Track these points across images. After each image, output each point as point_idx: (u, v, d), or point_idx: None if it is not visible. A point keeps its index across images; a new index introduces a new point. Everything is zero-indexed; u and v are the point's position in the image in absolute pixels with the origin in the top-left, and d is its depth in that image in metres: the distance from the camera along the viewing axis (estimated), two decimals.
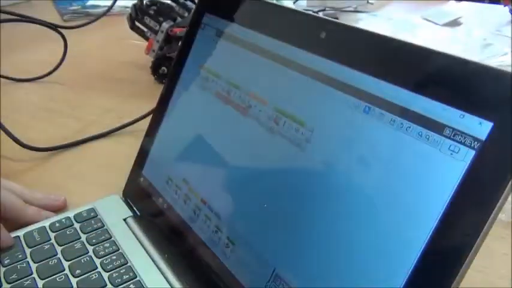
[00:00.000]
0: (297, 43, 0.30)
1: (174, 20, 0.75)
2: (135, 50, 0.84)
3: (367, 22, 1.07)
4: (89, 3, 1.30)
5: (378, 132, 0.24)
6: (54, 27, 0.69)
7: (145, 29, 0.77)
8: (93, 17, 0.82)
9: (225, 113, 0.35)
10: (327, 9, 1.15)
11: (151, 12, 0.76)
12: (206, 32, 0.39)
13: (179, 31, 0.72)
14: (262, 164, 0.31)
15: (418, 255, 0.21)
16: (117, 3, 0.86)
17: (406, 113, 0.23)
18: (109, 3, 0.97)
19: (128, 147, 0.54)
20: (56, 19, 1.08)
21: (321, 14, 1.14)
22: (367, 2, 1.19)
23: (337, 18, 1.09)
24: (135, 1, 0.79)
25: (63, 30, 0.71)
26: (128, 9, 1.04)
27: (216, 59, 0.38)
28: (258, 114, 0.32)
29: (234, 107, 0.34)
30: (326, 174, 0.27)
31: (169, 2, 0.80)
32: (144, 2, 0.79)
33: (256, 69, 0.33)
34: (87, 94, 0.71)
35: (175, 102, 0.41)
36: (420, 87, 0.23)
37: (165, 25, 0.73)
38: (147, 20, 0.76)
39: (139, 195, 0.42)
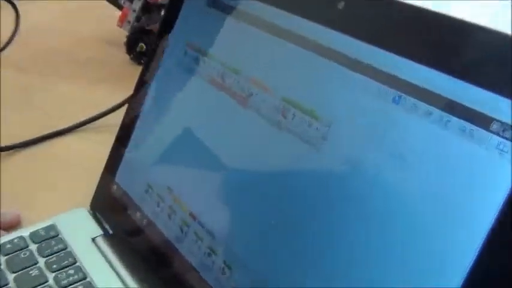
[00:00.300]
0: (309, 15, 0.31)
1: None
2: (105, 22, 0.85)
3: None
4: None
5: (411, 127, 0.25)
6: None
7: None
8: None
9: (219, 103, 0.35)
10: None
11: None
12: (195, 0, 0.40)
13: None
14: (266, 168, 0.32)
15: (473, 260, 0.22)
16: None
17: (444, 104, 0.24)
18: None
19: (96, 146, 0.56)
20: None
21: None
22: None
23: None
24: None
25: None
26: None
27: (208, 35, 0.38)
28: (261, 105, 0.32)
29: (231, 96, 0.35)
30: (349, 178, 0.27)
31: None
32: None
33: (259, 49, 0.34)
34: (45, 79, 0.72)
35: (156, 89, 0.42)
36: (463, 71, 0.23)
37: None
38: None
39: (111, 208, 0.43)
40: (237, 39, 0.36)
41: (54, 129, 0.59)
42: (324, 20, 0.30)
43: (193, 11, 0.40)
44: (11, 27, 0.74)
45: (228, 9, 0.37)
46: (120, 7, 0.78)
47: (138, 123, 0.43)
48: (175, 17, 0.41)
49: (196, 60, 0.38)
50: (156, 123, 0.41)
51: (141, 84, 0.44)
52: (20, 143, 0.56)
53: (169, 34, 0.42)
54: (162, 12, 0.77)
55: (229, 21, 0.37)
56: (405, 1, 0.27)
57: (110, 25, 0.80)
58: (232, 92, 0.35)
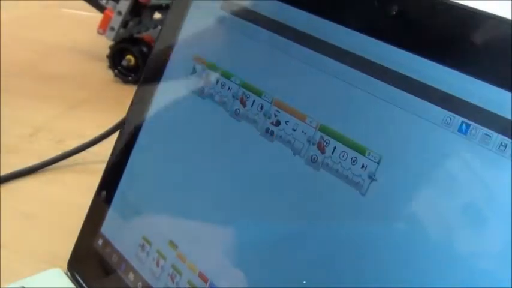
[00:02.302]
0: (353, 23, 0.33)
1: None
2: (83, 28, 0.88)
3: None
4: None
5: (482, 165, 0.27)
6: None
7: None
8: None
9: (237, 134, 0.37)
10: None
11: None
12: (205, 3, 0.42)
13: None
14: (298, 218, 0.33)
15: None
16: None
17: None
18: None
19: (72, 189, 0.58)
20: None
21: None
22: None
23: None
24: None
25: None
26: None
27: (221, 47, 0.41)
28: (293, 137, 0.34)
29: (252, 125, 0.37)
30: (409, 234, 0.29)
31: None
32: None
33: (290, 66, 0.36)
34: (5, 101, 0.74)
35: (156, 116, 0.44)
36: None
37: None
38: None
39: (95, 269, 0.45)
40: (260, 54, 0.38)
41: (17, 168, 0.61)
42: (373, 29, 0.32)
43: (202, 17, 0.42)
44: None
45: (247, 15, 0.39)
46: (101, 9, 0.80)
47: (131, 159, 0.45)
48: (181, 21, 0.44)
49: (207, 79, 0.41)
50: (155, 158, 0.43)
51: (135, 110, 0.46)
52: None
53: (171, 47, 0.44)
54: (156, 15, 0.80)
55: (250, 31, 0.39)
56: (474, 8, 0.29)
57: (89, 32, 0.83)
58: (254, 119, 0.37)
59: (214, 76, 0.40)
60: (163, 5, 0.77)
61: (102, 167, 0.47)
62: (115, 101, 0.73)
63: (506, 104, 0.27)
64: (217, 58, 0.41)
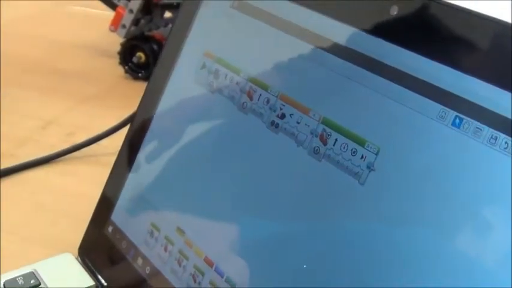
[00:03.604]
0: (349, 20, 0.35)
1: None
2: (94, 25, 0.90)
3: None
4: None
5: (473, 157, 0.29)
6: None
7: None
8: None
9: (244, 126, 0.39)
10: None
11: None
12: (215, 1, 0.44)
13: None
14: (300, 206, 0.35)
15: None
16: None
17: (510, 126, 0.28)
18: None
19: (83, 180, 0.59)
20: None
21: None
22: None
23: None
24: None
25: None
26: None
27: (231, 44, 0.43)
28: (297, 129, 0.36)
29: (259, 118, 0.39)
30: (404, 223, 0.31)
31: None
32: None
33: (295, 62, 0.38)
34: (18, 96, 0.76)
35: (166, 109, 0.46)
36: None
37: None
38: None
39: (105, 254, 0.47)
40: (269, 50, 0.40)
41: (29, 159, 0.63)
42: (372, 28, 0.34)
43: (212, 15, 0.44)
44: None
45: (257, 13, 0.41)
46: (113, 6, 0.82)
47: (141, 151, 0.47)
48: (191, 20, 0.46)
49: (217, 74, 0.42)
50: (165, 150, 0.45)
51: (146, 103, 0.48)
52: None
53: (181, 42, 0.46)
54: (166, 14, 0.82)
55: (259, 28, 0.41)
56: (472, 10, 0.31)
57: (100, 29, 0.85)
58: (261, 113, 0.39)
59: (223, 71, 0.42)
60: (174, 3, 0.79)
61: (112, 159, 0.49)
62: (125, 97, 0.75)
63: (497, 100, 0.29)
64: (226, 54, 0.42)
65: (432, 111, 0.31)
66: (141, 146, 0.47)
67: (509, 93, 0.28)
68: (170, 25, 0.79)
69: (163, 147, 0.45)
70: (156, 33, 0.81)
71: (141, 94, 0.57)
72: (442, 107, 0.30)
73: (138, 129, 0.48)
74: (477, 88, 0.29)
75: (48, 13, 1.00)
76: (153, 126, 0.47)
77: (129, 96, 0.72)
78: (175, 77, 0.46)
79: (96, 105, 0.75)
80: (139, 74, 0.80)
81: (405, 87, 0.32)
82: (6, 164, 0.61)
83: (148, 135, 0.47)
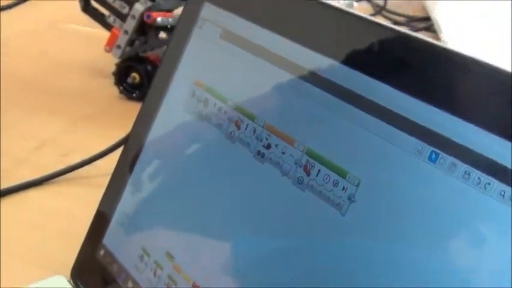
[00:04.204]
0: (339, 57, 0.36)
1: None
2: (90, 44, 0.91)
3: (467, 0, 1.13)
4: None
5: (447, 191, 0.30)
6: None
7: (106, 12, 0.85)
8: None
9: (231, 155, 0.41)
10: None
11: None
12: (206, 31, 0.46)
13: (161, 17, 0.79)
14: (285, 234, 0.36)
15: None
16: None
17: (484, 163, 0.29)
18: None
19: (77, 201, 0.60)
20: None
21: None
22: None
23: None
24: None
25: None
26: None
27: (220, 73, 0.44)
28: (282, 159, 0.38)
29: (245, 147, 0.40)
30: (379, 248, 0.32)
31: None
32: None
33: (281, 94, 0.39)
34: (13, 115, 0.77)
35: (157, 134, 0.47)
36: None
37: (139, 7, 0.81)
38: None
39: (96, 277, 0.48)
40: (256, 81, 0.41)
41: (23, 180, 0.63)
42: (357, 64, 0.36)
43: (202, 44, 0.46)
44: None
45: (245, 45, 0.42)
46: (108, 27, 0.84)
47: (133, 175, 0.48)
48: (181, 51, 0.47)
49: (206, 103, 0.44)
50: (155, 175, 0.46)
51: (139, 127, 0.49)
52: None
53: (173, 70, 0.47)
54: (161, 34, 0.84)
55: (247, 59, 0.42)
56: (448, 47, 0.32)
57: (95, 49, 0.86)
58: (247, 142, 0.40)
59: (212, 100, 0.43)
60: (169, 26, 0.81)
61: (105, 181, 0.50)
62: (120, 117, 0.76)
63: (470, 136, 0.30)
64: (216, 83, 0.44)
65: (409, 145, 0.32)
66: (133, 171, 0.48)
67: (483, 130, 0.29)
68: (165, 47, 0.80)
69: (154, 173, 0.47)
70: (151, 54, 0.82)
71: (135, 115, 0.58)
72: (419, 141, 0.32)
73: (130, 154, 0.49)
74: (452, 124, 0.31)
75: (44, 32, 1.01)
76: (145, 151, 0.48)
77: (123, 116, 0.73)
78: (167, 104, 0.47)
79: (90, 125, 0.76)
80: (134, 95, 0.81)
81: (384, 121, 0.33)
82: (1, 185, 0.62)
83: (140, 160, 0.48)
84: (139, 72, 0.81)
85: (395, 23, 1.08)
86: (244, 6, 0.44)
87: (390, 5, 1.13)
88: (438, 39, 1.00)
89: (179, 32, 0.48)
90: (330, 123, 0.36)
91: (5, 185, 0.62)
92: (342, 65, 0.36)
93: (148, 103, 0.49)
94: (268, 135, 0.39)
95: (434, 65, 0.32)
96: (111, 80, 0.83)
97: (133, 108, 0.73)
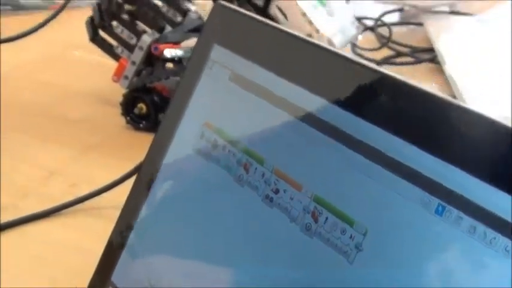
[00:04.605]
0: (348, 107, 0.37)
1: (161, 30, 0.83)
2: (97, 72, 0.92)
3: (471, 32, 1.14)
4: None
5: (452, 244, 0.31)
6: None
7: (114, 42, 0.86)
8: (27, 13, 0.90)
9: (240, 198, 0.41)
10: (406, 8, 1.23)
11: (125, 16, 0.85)
12: (215, 72, 0.46)
13: (168, 49, 0.80)
14: (292, 281, 0.37)
15: None
16: None
17: (489, 217, 0.30)
18: None
19: (86, 233, 0.61)
20: None
21: (396, 16, 1.22)
22: None
23: (421, 25, 1.17)
24: None
25: None
26: (88, 1, 1.14)
27: (229, 115, 0.45)
28: (290, 205, 0.38)
29: (254, 190, 0.40)
30: None
31: None
32: None
33: (289, 138, 0.40)
34: (20, 144, 0.78)
35: (166, 172, 0.48)
36: None
37: (147, 38, 0.82)
38: (118, 28, 0.85)
39: None
40: (263, 124, 0.42)
41: (30, 211, 0.64)
42: (364, 113, 0.36)
43: (212, 86, 0.46)
44: None
45: (254, 89, 0.43)
46: (116, 57, 0.85)
47: (143, 211, 0.49)
48: (193, 88, 0.48)
49: (215, 144, 0.44)
50: (165, 213, 0.47)
51: (149, 164, 0.50)
52: None
53: (183, 110, 0.48)
54: (168, 65, 0.85)
55: (256, 103, 0.43)
56: (454, 101, 0.33)
57: (103, 78, 0.87)
58: (255, 186, 0.40)
59: (221, 142, 0.44)
60: (176, 58, 0.82)
61: (115, 213, 0.50)
62: (127, 147, 0.77)
63: (476, 190, 0.30)
64: (225, 125, 0.44)
65: (416, 197, 0.33)
66: (143, 207, 0.49)
67: (489, 185, 0.30)
68: (171, 78, 0.81)
69: (164, 210, 0.47)
70: (157, 84, 0.83)
71: (142, 145, 0.58)
72: (426, 194, 0.32)
73: (140, 190, 0.50)
74: (459, 178, 0.31)
75: (51, 59, 1.02)
76: (155, 187, 0.48)
77: (130, 146, 0.75)
78: (177, 142, 0.48)
79: (98, 155, 0.77)
80: (141, 125, 0.82)
81: (390, 171, 0.34)
82: (7, 216, 0.63)
83: (150, 196, 0.48)
84: (146, 103, 0.81)
85: (399, 53, 1.09)
86: (251, 50, 0.44)
87: (395, 35, 1.13)
88: (442, 70, 1.01)
89: (190, 71, 0.49)
90: (337, 171, 0.37)
91: (11, 216, 0.62)
92: (348, 113, 0.37)
93: (158, 140, 0.50)
94: (277, 179, 0.39)
95: (440, 118, 0.33)
96: (118, 109, 0.84)
97: (140, 139, 0.75)
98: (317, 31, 0.77)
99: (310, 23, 0.77)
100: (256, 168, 0.41)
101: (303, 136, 0.39)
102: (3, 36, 1.02)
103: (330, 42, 0.78)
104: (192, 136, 0.46)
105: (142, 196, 0.49)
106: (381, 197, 0.34)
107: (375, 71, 0.37)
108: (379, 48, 1.09)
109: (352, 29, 0.83)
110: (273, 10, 0.77)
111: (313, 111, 0.39)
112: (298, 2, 0.77)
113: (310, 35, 0.77)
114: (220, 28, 0.48)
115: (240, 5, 0.81)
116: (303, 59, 0.41)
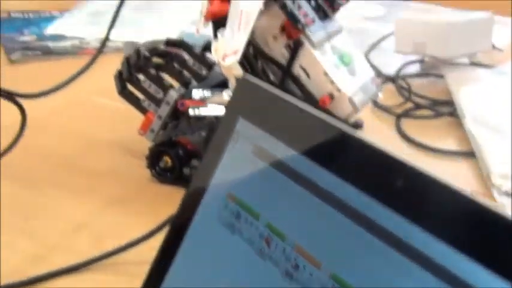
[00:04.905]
0: (364, 187, 0.39)
1: (186, 85, 0.86)
2: (123, 123, 0.94)
3: (491, 84, 1.16)
4: (50, 29, 1.45)
5: None
6: (6, 95, 0.80)
7: (141, 96, 0.88)
8: (57, 58, 0.92)
9: (261, 271, 0.43)
10: (426, 59, 1.25)
11: (153, 70, 0.88)
12: (240, 145, 0.48)
13: (193, 107, 0.83)
14: None
15: None
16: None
17: None
18: (80, 31, 1.07)
19: None
20: None
21: (417, 67, 1.24)
22: (493, 47, 1.28)
23: (441, 77, 1.19)
24: (130, 50, 0.90)
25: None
26: (118, 43, 1.17)
27: (251, 189, 0.46)
28: (309, 281, 0.40)
29: (274, 266, 0.42)
30: None
31: (180, 52, 0.91)
32: (142, 52, 0.90)
33: (311, 216, 0.42)
34: (47, 196, 0.80)
35: (192, 239, 0.50)
36: None
37: (173, 94, 0.84)
38: (146, 82, 0.87)
39: None
40: (285, 199, 0.44)
41: (56, 267, 0.65)
42: (380, 195, 0.38)
43: (236, 158, 0.48)
44: (11, 125, 0.83)
45: (277, 165, 0.45)
46: (143, 111, 0.87)
47: (168, 275, 0.50)
48: (218, 159, 0.50)
49: (238, 217, 0.46)
50: (190, 279, 0.49)
51: (174, 231, 0.52)
52: (12, 284, 0.62)
53: (210, 178, 0.50)
54: (191, 121, 0.87)
55: (279, 179, 0.44)
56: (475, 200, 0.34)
57: (130, 130, 0.89)
58: (276, 260, 0.42)
59: (244, 214, 0.46)
60: (200, 115, 0.84)
61: (142, 269, 0.51)
62: (152, 201, 0.79)
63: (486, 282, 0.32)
64: (248, 198, 0.46)
65: (429, 282, 0.34)
66: (167, 272, 0.50)
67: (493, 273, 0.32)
68: (196, 133, 0.83)
69: (186, 278, 0.49)
70: (182, 138, 0.85)
71: (167, 198, 0.60)
72: (446, 284, 0.34)
73: (167, 252, 0.52)
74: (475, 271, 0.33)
75: (77, 105, 1.05)
76: (179, 254, 0.50)
77: (156, 200, 0.77)
78: (202, 210, 0.50)
79: (123, 208, 0.79)
80: (165, 178, 0.84)
81: (408, 258, 0.36)
82: (36, 270, 0.65)
83: (175, 262, 0.50)
84: (171, 156, 0.83)
85: (419, 106, 1.10)
86: (274, 125, 0.46)
87: (415, 86, 1.15)
88: (461, 125, 1.02)
89: (216, 142, 0.50)
90: (356, 252, 0.38)
91: (36, 271, 0.64)
92: (372, 200, 0.38)
93: (185, 207, 0.52)
94: (297, 256, 0.41)
95: (452, 207, 0.35)
96: (143, 160, 0.86)
97: (166, 192, 0.77)
98: (338, 90, 0.79)
99: (332, 82, 0.79)
100: (277, 244, 0.43)
101: (325, 217, 0.41)
102: (33, 82, 1.05)
103: (351, 101, 0.80)
104: (216, 206, 0.48)
105: (167, 260, 0.51)
106: (399, 283, 0.36)
107: (403, 163, 0.38)
108: (404, 103, 1.10)
109: (372, 87, 0.84)
110: (297, 70, 0.79)
111: (335, 193, 0.41)
112: (321, 61, 0.79)
113: (331, 95, 0.79)
114: (245, 102, 0.50)
115: (264, 65, 0.83)
116: (324, 139, 0.43)
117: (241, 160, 0.48)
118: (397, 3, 1.69)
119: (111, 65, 0.91)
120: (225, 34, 0.76)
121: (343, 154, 0.41)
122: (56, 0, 1.62)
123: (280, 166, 0.45)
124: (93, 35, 1.40)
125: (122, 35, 1.34)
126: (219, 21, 0.78)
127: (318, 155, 0.43)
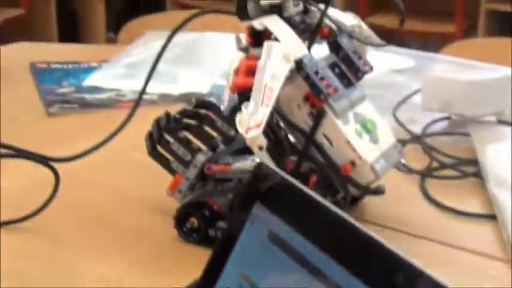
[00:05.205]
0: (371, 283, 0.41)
1: (214, 148, 0.89)
2: (155, 181, 0.97)
3: None
4: (88, 81, 1.50)
5: None
6: (41, 160, 0.84)
7: (170, 157, 0.91)
8: (93, 111, 0.94)
9: None
10: (453, 116, 1.27)
11: (181, 134, 0.91)
12: (255, 229, 0.51)
13: (219, 172, 0.85)
14: None
15: None
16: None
17: None
18: (116, 83, 1.10)
19: None
20: (36, 110, 1.26)
21: (445, 123, 1.26)
22: None
23: (467, 135, 1.20)
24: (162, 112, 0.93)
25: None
26: (153, 96, 1.21)
27: (264, 272, 0.49)
28: None
29: None
30: None
31: (210, 114, 0.94)
32: (173, 114, 0.93)
33: None
34: (77, 253, 0.83)
35: None
36: None
37: (201, 158, 0.87)
38: (175, 145, 0.90)
39: None
40: (295, 285, 0.46)
41: None
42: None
43: (251, 241, 0.51)
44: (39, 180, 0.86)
45: (291, 252, 0.47)
46: (172, 172, 0.90)
47: None
48: (235, 239, 0.52)
49: None
50: None
51: None
52: None
53: (227, 258, 0.52)
54: (218, 183, 0.89)
55: (290, 265, 0.47)
56: None
57: (158, 190, 0.92)
58: None
59: None
60: (226, 178, 0.86)
61: None
62: (178, 261, 0.82)
63: None
64: (261, 280, 0.49)
65: None
66: None
67: None
68: (222, 195, 0.86)
69: None
70: (209, 199, 0.88)
71: (193, 259, 0.63)
72: None
73: None
74: None
75: (109, 159, 1.06)
76: None
77: (182, 260, 0.79)
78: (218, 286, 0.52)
79: (150, 267, 0.81)
80: (192, 238, 0.87)
81: None
82: None
83: None
84: (197, 217, 0.86)
85: (443, 165, 1.12)
86: (288, 213, 0.49)
87: (440, 144, 1.17)
88: (485, 187, 1.03)
89: (234, 222, 0.53)
90: None
91: None
92: None
93: (204, 279, 0.54)
94: None
95: None
96: (170, 219, 0.88)
97: (191, 252, 0.79)
98: (360, 158, 0.81)
99: (354, 150, 0.81)
100: None
101: None
102: (70, 137, 1.10)
103: (373, 168, 0.82)
104: (231, 285, 0.51)
105: None
106: None
107: (417, 269, 0.40)
108: (424, 164, 1.12)
109: (395, 155, 0.86)
110: (320, 137, 0.82)
111: (339, 283, 0.43)
112: (343, 130, 0.81)
113: (353, 162, 0.81)
114: (261, 186, 0.52)
115: (288, 132, 0.86)
116: (337, 233, 0.45)
117: (257, 243, 0.50)
118: (426, 56, 1.70)
119: (146, 117, 0.94)
120: (248, 108, 0.79)
121: (357, 252, 0.43)
122: (95, 51, 1.68)
123: (294, 254, 0.47)
124: (129, 87, 1.44)
125: (157, 88, 1.38)
126: (243, 93, 0.81)
127: (332, 249, 0.45)
